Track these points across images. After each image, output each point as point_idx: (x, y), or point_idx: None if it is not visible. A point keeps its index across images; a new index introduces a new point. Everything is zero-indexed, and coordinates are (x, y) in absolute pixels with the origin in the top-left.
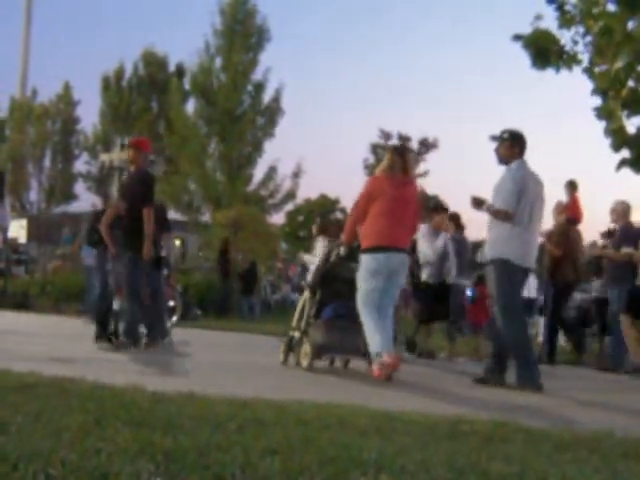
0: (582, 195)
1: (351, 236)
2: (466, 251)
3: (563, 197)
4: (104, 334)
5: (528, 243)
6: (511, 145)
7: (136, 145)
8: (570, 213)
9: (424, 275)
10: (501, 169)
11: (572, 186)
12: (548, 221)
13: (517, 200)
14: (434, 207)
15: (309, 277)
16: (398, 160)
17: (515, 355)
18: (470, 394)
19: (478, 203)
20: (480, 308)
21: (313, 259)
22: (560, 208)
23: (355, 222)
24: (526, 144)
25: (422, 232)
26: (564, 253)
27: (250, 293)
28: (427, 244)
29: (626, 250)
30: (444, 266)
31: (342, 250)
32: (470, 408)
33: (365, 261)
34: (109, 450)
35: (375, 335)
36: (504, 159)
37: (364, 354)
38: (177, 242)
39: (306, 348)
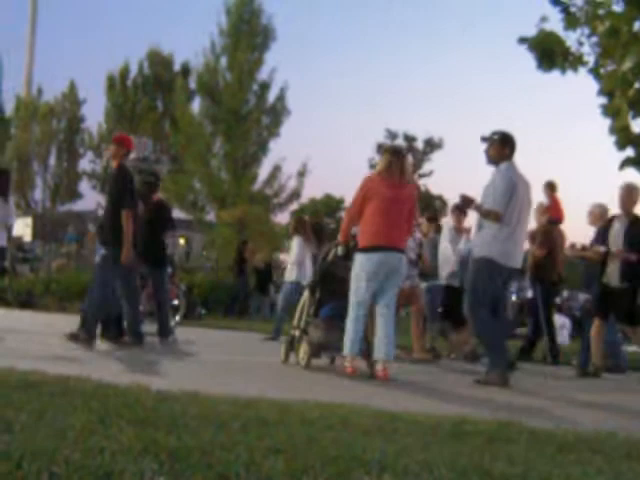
0: (562, 195)
1: (347, 236)
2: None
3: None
4: (111, 334)
5: (515, 244)
6: (501, 146)
7: (118, 141)
8: (552, 214)
9: (444, 277)
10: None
11: (551, 187)
12: (531, 222)
13: (507, 201)
14: (459, 206)
15: (285, 276)
16: (394, 161)
17: (486, 349)
18: (473, 394)
19: (467, 202)
20: None
21: (289, 258)
22: (542, 209)
23: (350, 222)
24: (516, 146)
25: (446, 233)
26: (547, 253)
27: (263, 292)
28: (450, 245)
29: (599, 249)
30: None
31: (340, 250)
32: (473, 408)
33: (360, 261)
34: (113, 449)
35: (349, 338)
36: (494, 160)
37: (363, 353)
38: (181, 241)
39: (304, 346)
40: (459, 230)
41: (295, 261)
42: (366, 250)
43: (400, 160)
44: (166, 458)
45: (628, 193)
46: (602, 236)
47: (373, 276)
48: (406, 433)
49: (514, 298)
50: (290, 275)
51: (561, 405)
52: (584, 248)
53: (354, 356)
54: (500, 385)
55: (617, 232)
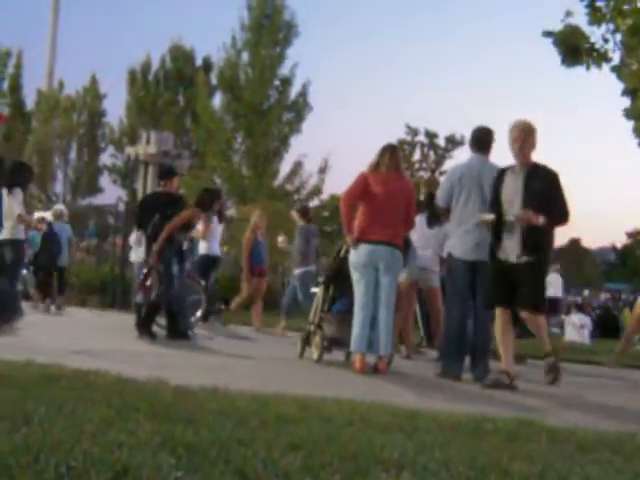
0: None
1: (351, 229)
2: (313, 239)
3: None
4: (177, 331)
5: (464, 236)
6: (469, 144)
7: None
8: None
9: None
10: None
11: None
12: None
13: (446, 192)
14: None
15: (132, 257)
16: (388, 156)
17: (444, 341)
18: (492, 393)
19: None
20: None
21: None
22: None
23: (346, 218)
24: (478, 140)
25: None
26: None
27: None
28: None
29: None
30: None
31: (347, 247)
32: (493, 407)
33: (352, 254)
34: (131, 443)
35: (354, 333)
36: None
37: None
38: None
39: (317, 341)
40: None
41: (135, 242)
42: (355, 244)
43: (390, 155)
44: (184, 453)
45: (527, 134)
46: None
47: (364, 267)
48: (426, 431)
49: None
50: (137, 256)
51: (578, 404)
52: None
53: (362, 352)
54: (446, 378)
55: (512, 189)
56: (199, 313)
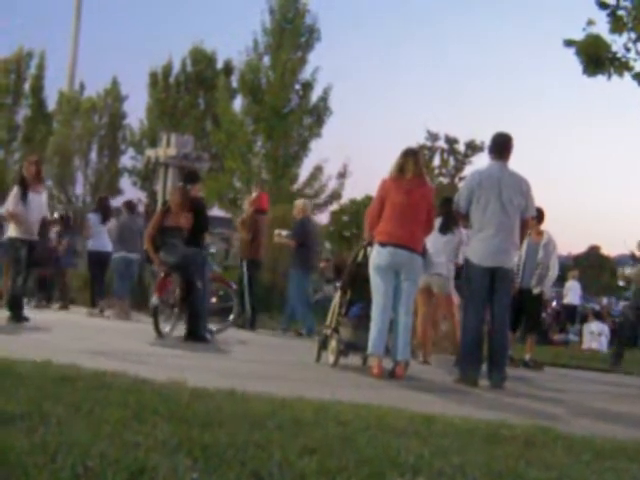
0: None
1: (371, 236)
2: (138, 229)
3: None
4: (194, 334)
5: (483, 242)
6: (489, 150)
7: None
8: (258, 206)
9: None
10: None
11: (260, 185)
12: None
13: (465, 200)
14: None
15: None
16: (407, 162)
17: (462, 346)
18: (510, 399)
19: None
20: None
21: None
22: (250, 201)
23: (370, 224)
24: (498, 146)
25: None
26: (253, 237)
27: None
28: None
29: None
30: (524, 274)
31: (369, 250)
32: (509, 413)
33: (372, 256)
34: (147, 444)
35: (371, 337)
36: None
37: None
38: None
39: (333, 345)
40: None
41: None
42: (377, 245)
43: (413, 160)
44: (200, 454)
45: None
46: (301, 227)
47: (385, 270)
48: (442, 436)
49: (554, 304)
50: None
51: (596, 412)
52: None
53: (379, 356)
54: (463, 384)
55: None
56: (231, 317)
